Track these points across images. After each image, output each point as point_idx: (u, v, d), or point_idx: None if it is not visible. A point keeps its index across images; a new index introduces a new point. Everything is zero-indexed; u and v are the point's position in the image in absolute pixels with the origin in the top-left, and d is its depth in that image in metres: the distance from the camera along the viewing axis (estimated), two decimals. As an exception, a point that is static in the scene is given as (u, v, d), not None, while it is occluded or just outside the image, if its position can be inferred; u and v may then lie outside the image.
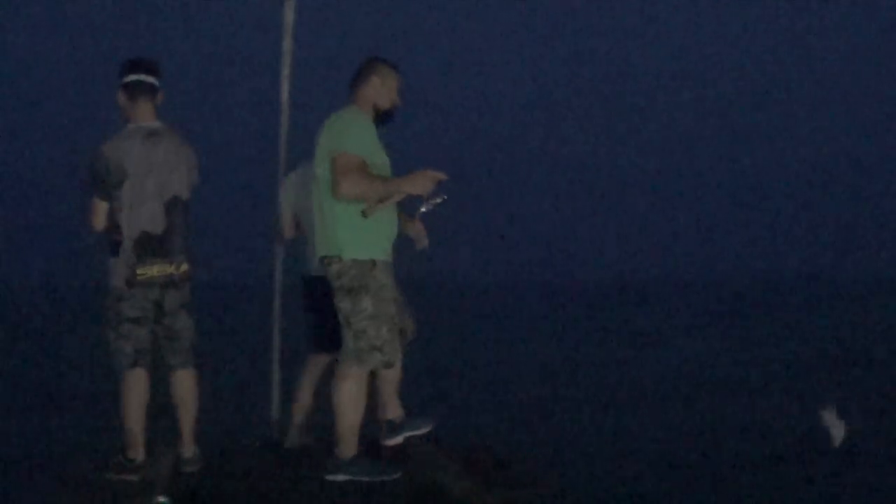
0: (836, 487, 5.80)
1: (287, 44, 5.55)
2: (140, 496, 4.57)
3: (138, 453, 4.88)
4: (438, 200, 4.70)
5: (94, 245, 4.91)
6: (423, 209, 4.75)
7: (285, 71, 5.61)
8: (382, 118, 4.84)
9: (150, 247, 4.73)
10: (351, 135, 4.64)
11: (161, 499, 4.48)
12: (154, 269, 4.74)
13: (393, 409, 5.01)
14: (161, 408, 5.08)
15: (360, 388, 4.71)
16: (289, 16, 5.52)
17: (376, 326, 4.65)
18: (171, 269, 4.78)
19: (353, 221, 4.64)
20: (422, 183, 4.63)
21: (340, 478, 4.68)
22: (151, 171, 4.72)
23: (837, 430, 5.47)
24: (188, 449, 4.93)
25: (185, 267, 4.83)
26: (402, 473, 4.69)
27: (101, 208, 4.76)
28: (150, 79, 4.82)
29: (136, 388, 4.86)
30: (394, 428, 4.98)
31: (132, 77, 4.79)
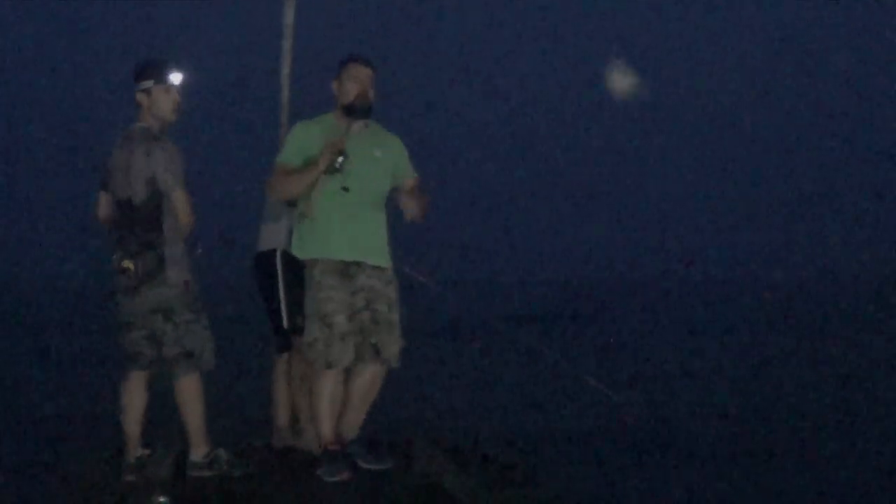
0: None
1: (287, 44, 5.54)
2: (140, 496, 4.57)
3: (137, 454, 4.89)
4: (340, 159, 4.80)
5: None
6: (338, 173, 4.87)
7: (285, 71, 5.61)
8: (349, 113, 4.93)
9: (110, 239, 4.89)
10: (284, 143, 5.04)
11: (161, 499, 4.48)
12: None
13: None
14: (163, 409, 5.08)
15: (315, 383, 4.88)
16: (289, 16, 5.52)
17: (309, 323, 4.87)
18: (114, 264, 4.83)
19: (299, 223, 4.95)
20: (329, 154, 4.79)
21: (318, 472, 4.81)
22: (116, 170, 4.85)
23: None
24: (192, 453, 4.92)
25: (125, 264, 4.80)
26: (347, 477, 4.74)
27: (101, 199, 5.00)
28: (135, 86, 4.91)
29: (130, 391, 4.94)
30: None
31: None
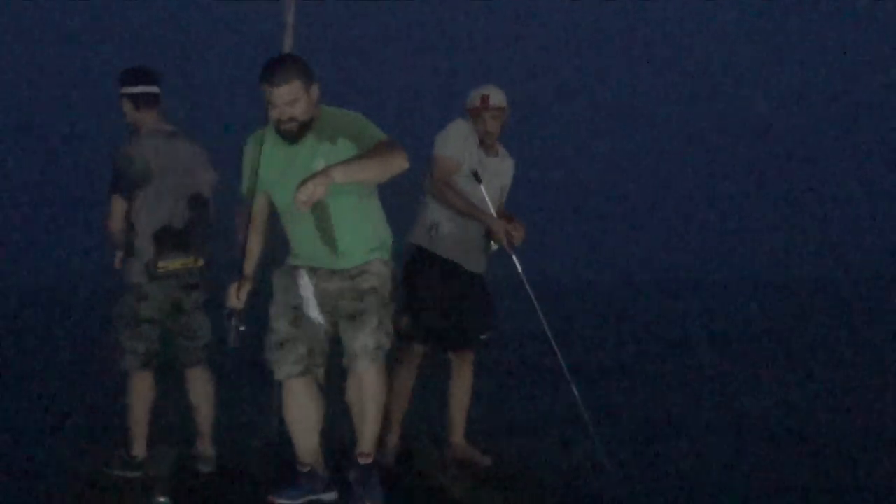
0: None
1: (287, 44, 5.55)
2: (140, 494, 4.59)
3: (141, 451, 4.93)
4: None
5: (105, 246, 5.04)
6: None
7: (285, 71, 5.60)
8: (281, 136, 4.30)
9: (171, 241, 4.86)
10: None
11: (161, 499, 4.50)
12: (177, 263, 4.88)
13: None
14: (164, 407, 5.10)
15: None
16: (289, 16, 5.52)
17: None
18: (190, 263, 4.90)
19: None
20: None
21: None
22: (175, 169, 4.87)
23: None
24: (207, 448, 4.97)
25: (201, 262, 4.94)
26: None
27: (119, 207, 4.91)
28: (154, 89, 5.00)
29: (143, 388, 4.97)
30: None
31: (140, 89, 4.95)
